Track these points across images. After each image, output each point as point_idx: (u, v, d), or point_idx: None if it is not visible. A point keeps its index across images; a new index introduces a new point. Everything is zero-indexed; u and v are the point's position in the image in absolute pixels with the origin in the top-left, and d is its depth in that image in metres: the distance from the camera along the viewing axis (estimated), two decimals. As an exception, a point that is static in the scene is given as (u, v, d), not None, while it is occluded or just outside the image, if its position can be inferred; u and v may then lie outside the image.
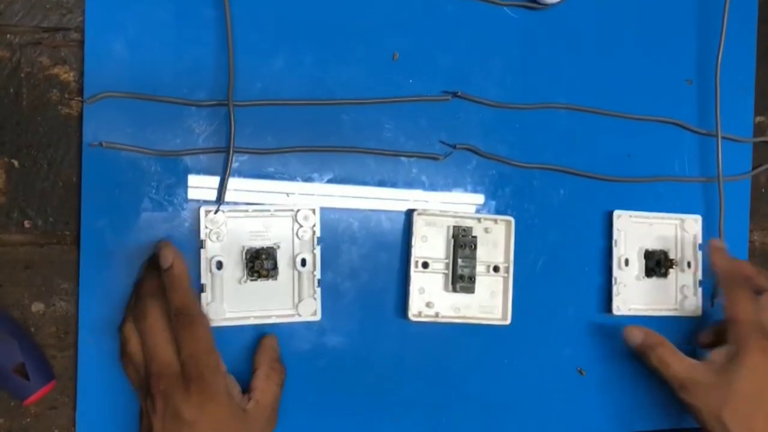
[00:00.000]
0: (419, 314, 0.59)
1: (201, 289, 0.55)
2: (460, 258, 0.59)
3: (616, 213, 0.63)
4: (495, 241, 0.61)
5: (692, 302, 0.66)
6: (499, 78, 0.62)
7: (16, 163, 0.53)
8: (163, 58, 0.54)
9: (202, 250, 0.55)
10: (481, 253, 0.60)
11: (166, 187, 0.55)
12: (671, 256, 0.65)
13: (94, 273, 0.54)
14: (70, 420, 0.55)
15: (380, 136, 0.59)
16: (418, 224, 0.59)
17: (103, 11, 0.53)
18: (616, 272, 0.63)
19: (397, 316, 0.60)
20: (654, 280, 0.65)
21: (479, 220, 0.61)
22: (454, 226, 0.60)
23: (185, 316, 0.49)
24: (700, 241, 0.66)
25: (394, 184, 0.60)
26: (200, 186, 0.55)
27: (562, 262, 0.63)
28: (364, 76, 0.59)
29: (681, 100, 0.67)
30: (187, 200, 0.55)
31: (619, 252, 0.64)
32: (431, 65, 0.60)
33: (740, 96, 0.68)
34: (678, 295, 0.66)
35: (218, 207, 0.55)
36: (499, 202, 0.62)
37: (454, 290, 0.60)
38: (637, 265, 0.65)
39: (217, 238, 0.55)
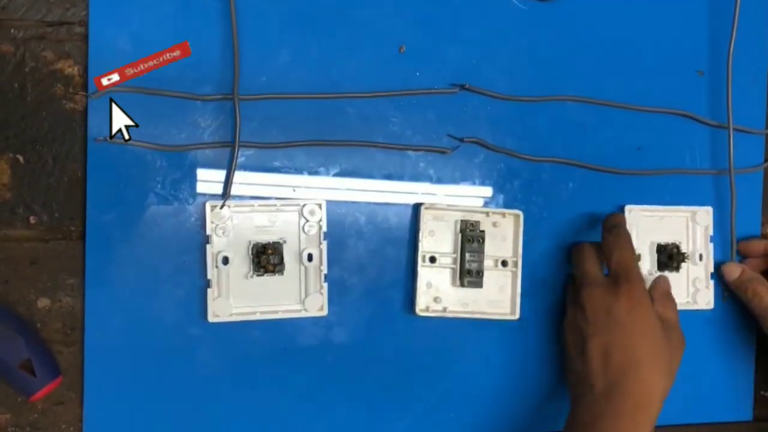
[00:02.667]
0: (427, 309, 0.59)
1: (207, 284, 0.54)
2: (468, 252, 0.59)
3: (627, 208, 0.63)
4: (503, 235, 0.61)
5: (705, 295, 0.65)
6: (507, 70, 0.61)
7: (21, 158, 0.53)
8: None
9: (208, 246, 0.54)
10: (489, 247, 0.60)
11: (171, 182, 0.55)
12: (683, 249, 0.64)
13: (100, 268, 0.54)
14: (77, 415, 0.55)
15: (387, 130, 0.59)
16: (426, 218, 0.59)
17: (106, 5, 0.53)
18: None
19: (404, 312, 0.59)
20: (666, 274, 0.64)
21: (487, 214, 0.60)
22: (462, 221, 0.60)
23: (617, 228, 0.58)
24: (711, 233, 0.65)
25: (401, 178, 0.59)
26: (207, 180, 0.55)
27: (571, 256, 0.63)
28: (370, 68, 0.58)
29: (692, 92, 0.66)
30: (192, 195, 0.55)
31: None
32: (438, 57, 0.59)
33: (752, 87, 0.67)
34: (690, 288, 0.65)
35: (224, 202, 0.54)
36: (508, 196, 0.61)
37: (462, 285, 0.59)
38: (649, 259, 0.64)
39: (223, 233, 0.55)
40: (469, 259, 0.59)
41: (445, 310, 0.59)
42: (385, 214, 0.59)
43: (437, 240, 0.60)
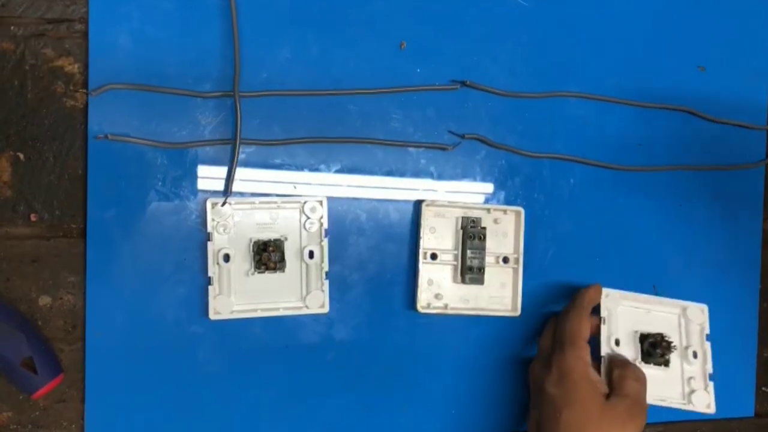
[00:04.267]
0: (428, 306, 0.59)
1: (208, 282, 0.54)
2: (470, 249, 0.59)
3: (605, 291, 0.60)
4: (504, 232, 0.61)
5: (703, 397, 0.60)
6: (508, 66, 0.61)
7: (21, 156, 0.53)
8: (168, 49, 0.54)
9: (209, 243, 0.54)
10: (490, 244, 0.60)
11: (172, 180, 0.55)
12: (673, 343, 0.60)
13: (101, 266, 0.54)
14: (79, 413, 0.55)
15: (388, 126, 0.58)
16: (427, 215, 0.59)
17: (107, 2, 0.53)
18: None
19: (405, 308, 0.59)
20: (653, 368, 0.60)
21: (488, 210, 0.60)
22: (463, 217, 0.60)
23: (573, 303, 0.58)
24: (707, 331, 0.61)
25: (402, 175, 0.59)
26: (208, 177, 0.55)
27: (573, 252, 0.63)
28: (371, 65, 0.58)
29: (693, 88, 0.65)
30: (193, 192, 0.55)
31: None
32: (439, 54, 0.59)
33: (755, 83, 0.67)
34: (685, 387, 0.61)
35: (225, 199, 0.54)
36: (509, 192, 0.61)
37: (464, 282, 0.59)
38: (633, 348, 0.60)
39: (224, 230, 0.55)
40: (471, 255, 0.59)
41: (446, 306, 0.59)
42: (386, 211, 0.59)
43: (438, 237, 0.60)
